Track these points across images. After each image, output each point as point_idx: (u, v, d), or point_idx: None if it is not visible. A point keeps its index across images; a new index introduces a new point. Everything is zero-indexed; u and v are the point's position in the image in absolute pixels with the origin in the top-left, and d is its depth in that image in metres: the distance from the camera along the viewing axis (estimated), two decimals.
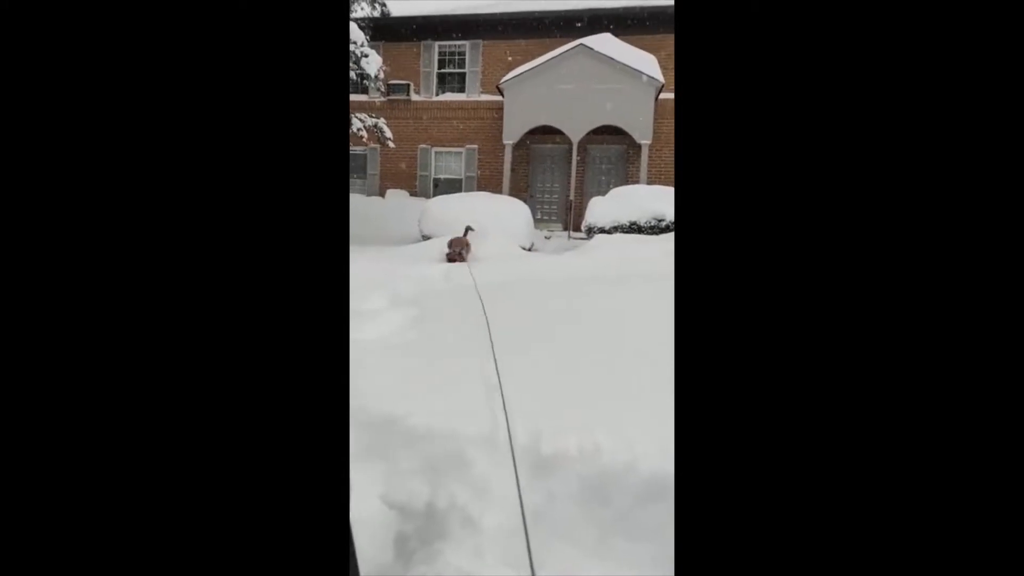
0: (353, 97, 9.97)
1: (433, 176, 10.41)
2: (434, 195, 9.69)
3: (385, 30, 9.28)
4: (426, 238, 6.42)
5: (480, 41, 9.96)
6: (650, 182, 7.98)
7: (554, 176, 9.96)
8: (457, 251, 2.66)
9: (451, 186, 10.12)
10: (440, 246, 5.15)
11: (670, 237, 5.46)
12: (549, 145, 9.72)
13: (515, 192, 8.61)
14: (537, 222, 8.72)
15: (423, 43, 10.13)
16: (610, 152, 9.35)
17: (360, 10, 7.30)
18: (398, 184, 10.28)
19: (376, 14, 7.51)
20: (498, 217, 6.45)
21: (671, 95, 8.51)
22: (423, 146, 10.31)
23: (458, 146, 10.25)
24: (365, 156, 10.35)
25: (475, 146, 10.18)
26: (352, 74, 7.27)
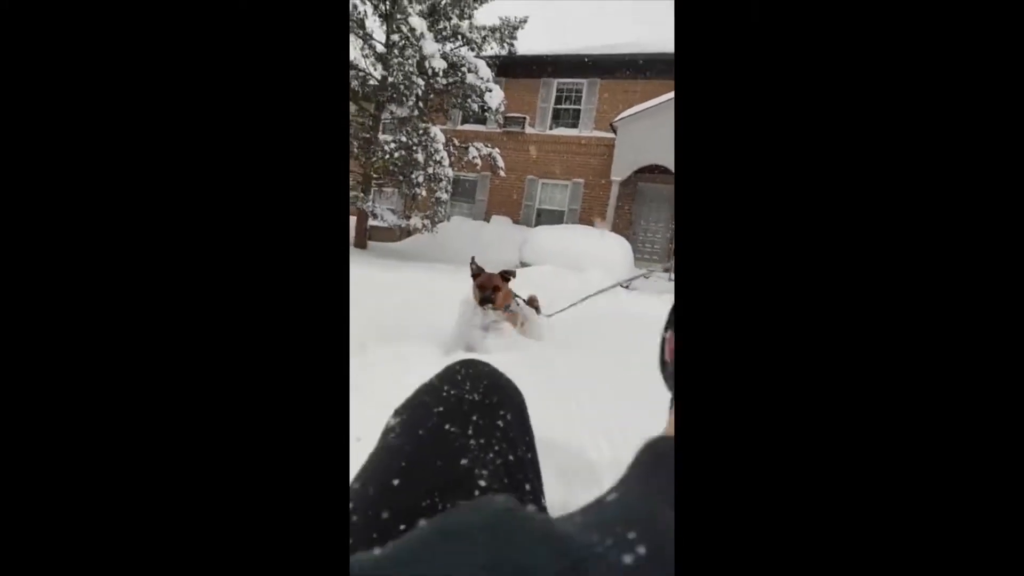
0: (470, 127, 10.61)
1: (537, 206, 10.68)
2: (536, 224, 9.91)
3: (508, 66, 9.83)
4: (525, 265, 6.56)
5: (598, 80, 10.19)
6: None
7: (659, 215, 9.75)
8: (489, 294, 1.90)
9: (553, 217, 10.29)
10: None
11: None
12: (657, 184, 9.57)
13: (618, 229, 8.55)
14: (637, 260, 8.55)
15: (543, 79, 10.57)
16: None
17: (489, 49, 7.80)
18: (503, 211, 10.67)
19: (504, 52, 7.98)
20: (598, 250, 6.44)
21: None
22: (531, 177, 10.64)
23: (564, 179, 10.45)
24: (476, 182, 10.90)
25: (581, 180, 10.31)
26: (475, 106, 7.75)
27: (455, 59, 7.26)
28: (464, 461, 0.45)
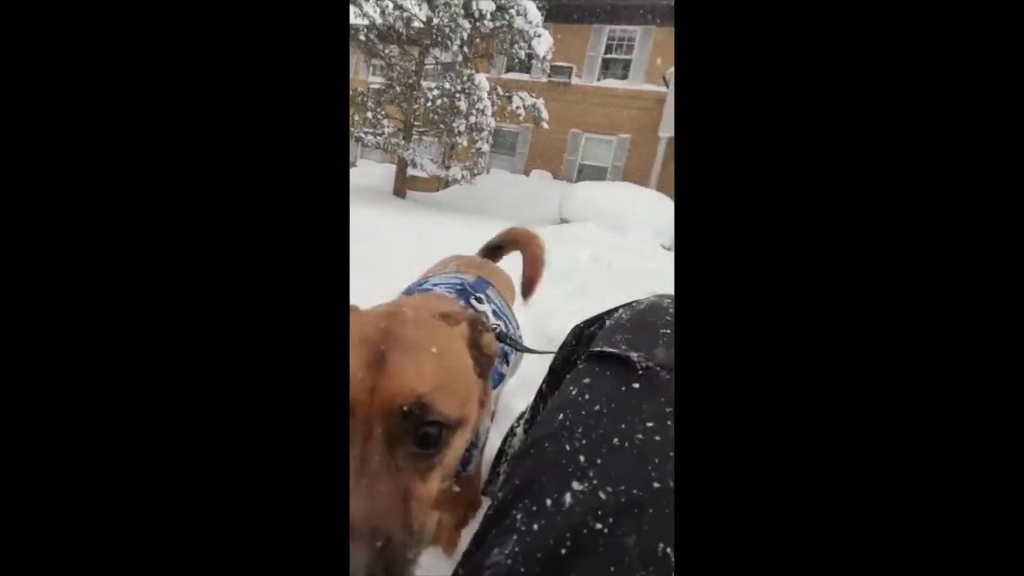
0: (515, 76, 10.23)
1: (580, 161, 10.37)
2: (577, 180, 9.65)
3: (558, 10, 9.32)
4: (564, 221, 6.44)
5: (653, 27, 9.56)
6: None
7: None
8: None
9: (596, 173, 9.99)
10: (580, 233, 5.00)
11: None
12: None
13: (663, 188, 8.23)
14: None
15: (594, 26, 10.00)
16: None
17: None
18: (544, 165, 10.42)
19: None
20: (642, 210, 6.23)
21: None
22: (574, 131, 10.28)
23: (610, 134, 10.04)
24: (517, 135, 10.62)
25: (628, 136, 9.89)
26: (521, 53, 7.44)
27: (503, 0, 6.91)
28: None
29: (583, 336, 0.68)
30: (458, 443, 0.49)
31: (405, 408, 0.43)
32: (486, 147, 7.54)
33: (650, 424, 0.45)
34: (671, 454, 0.43)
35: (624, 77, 10.03)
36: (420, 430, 0.44)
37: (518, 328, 0.95)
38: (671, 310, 0.58)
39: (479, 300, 0.79)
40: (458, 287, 0.83)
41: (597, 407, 0.48)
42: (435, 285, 0.82)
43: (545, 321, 2.02)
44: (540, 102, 7.83)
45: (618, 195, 6.68)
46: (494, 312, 0.80)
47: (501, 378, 0.74)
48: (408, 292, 0.83)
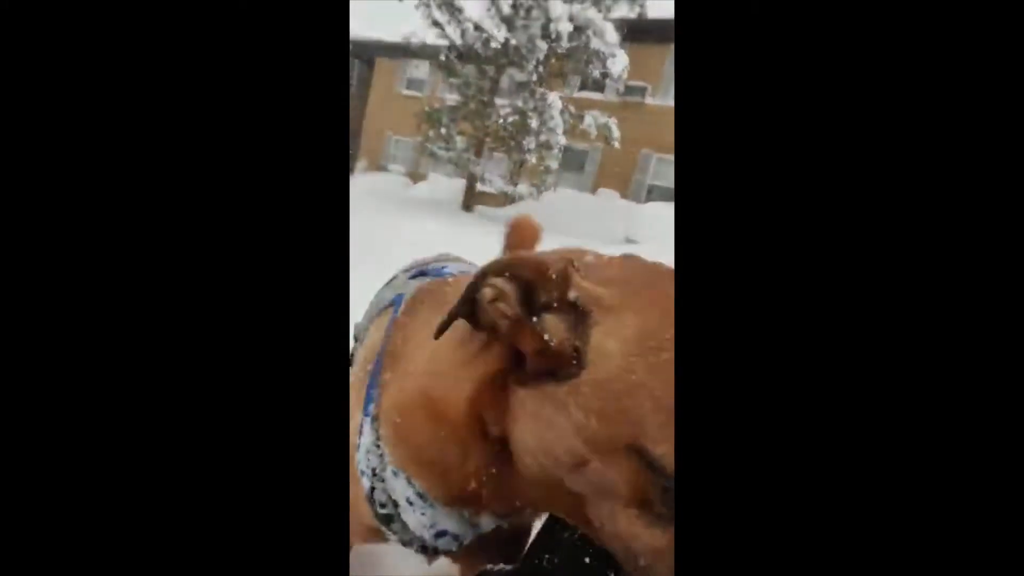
0: (587, 94, 10.25)
1: (649, 182, 10.17)
2: (646, 201, 9.46)
3: (635, 30, 9.29)
4: (630, 242, 6.33)
5: None
6: None
7: None
8: None
9: (665, 194, 9.75)
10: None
11: None
12: None
13: None
14: None
15: (670, 46, 9.86)
16: None
17: (618, 10, 7.40)
18: (613, 184, 10.31)
19: (633, 15, 7.53)
20: None
21: None
22: (645, 151, 10.12)
23: None
24: (587, 153, 10.61)
25: None
26: (596, 72, 7.46)
27: (581, 22, 6.98)
28: None
29: None
30: (609, 361, 0.35)
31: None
32: (555, 165, 7.59)
33: None
34: None
35: None
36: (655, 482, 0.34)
37: None
38: None
39: None
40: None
41: None
42: (449, 272, 0.68)
43: None
44: (612, 121, 7.79)
45: None
46: None
47: None
48: (419, 274, 0.69)
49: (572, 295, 0.37)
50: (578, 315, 0.37)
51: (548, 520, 0.51)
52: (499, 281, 0.39)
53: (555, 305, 0.37)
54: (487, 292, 0.39)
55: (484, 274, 0.39)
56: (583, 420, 0.35)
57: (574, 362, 0.36)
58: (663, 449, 0.32)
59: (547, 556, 0.44)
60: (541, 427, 0.37)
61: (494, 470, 0.42)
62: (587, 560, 0.41)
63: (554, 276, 0.38)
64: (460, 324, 0.41)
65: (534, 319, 0.38)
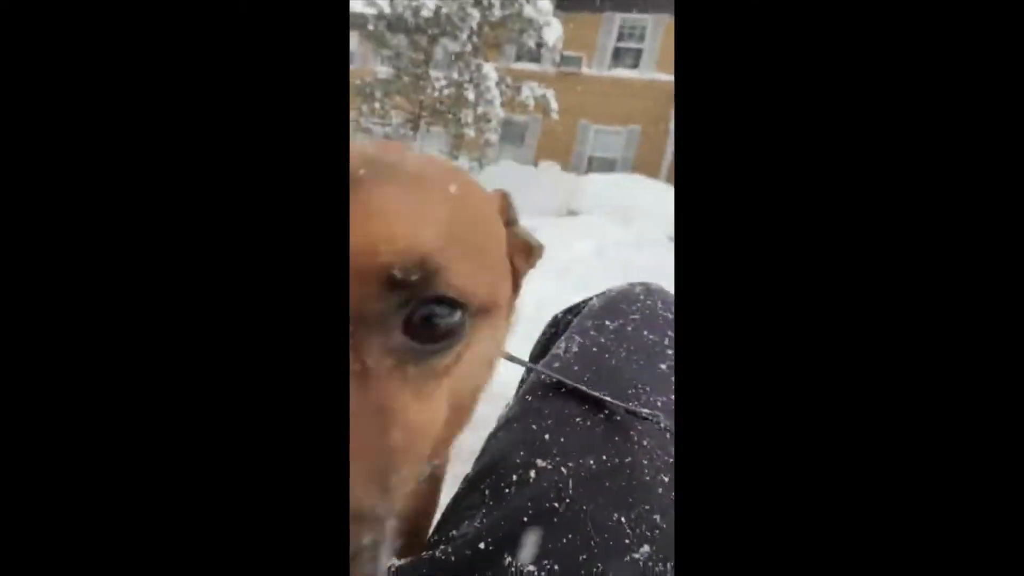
0: (524, 65, 10.13)
1: (589, 153, 10.28)
2: (587, 172, 9.57)
3: None
4: (572, 214, 6.40)
5: (666, 15, 9.40)
6: None
7: None
8: None
9: (605, 165, 9.90)
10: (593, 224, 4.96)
11: None
12: None
13: (672, 180, 8.14)
14: None
15: (604, 14, 9.87)
16: None
17: None
18: (552, 156, 10.34)
19: None
20: (651, 202, 6.18)
21: None
22: (583, 121, 10.18)
23: (620, 125, 9.94)
24: (526, 125, 10.54)
25: (638, 127, 9.79)
26: (530, 42, 7.36)
27: None
28: (663, 366, 0.52)
29: (560, 324, 0.69)
30: (482, 347, 0.30)
31: (396, 271, 0.26)
32: (495, 138, 7.49)
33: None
34: (631, 432, 0.47)
35: (635, 66, 9.90)
36: (420, 311, 0.27)
37: None
38: (641, 296, 0.61)
39: None
40: None
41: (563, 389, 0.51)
42: None
43: (544, 315, 2.01)
44: (550, 92, 7.76)
45: (626, 187, 6.63)
46: None
47: None
48: None
49: None
50: None
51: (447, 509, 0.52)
52: None
53: None
54: None
55: None
56: None
57: None
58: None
59: (442, 546, 0.45)
60: None
61: None
62: (482, 546, 0.43)
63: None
64: None
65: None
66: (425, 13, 7.12)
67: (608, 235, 4.60)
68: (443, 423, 0.30)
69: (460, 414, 0.33)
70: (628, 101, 9.81)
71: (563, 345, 0.57)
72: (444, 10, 6.73)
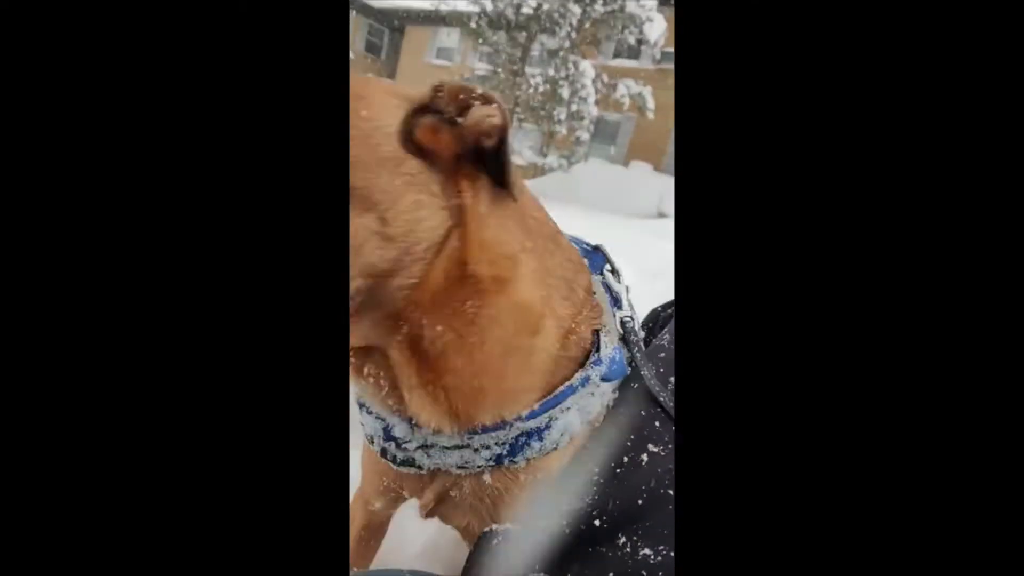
0: (622, 62, 9.89)
1: None
2: None
3: None
4: (662, 216, 6.18)
5: None
6: None
7: None
8: None
9: None
10: None
11: None
12: None
13: None
14: None
15: None
16: None
17: None
18: (645, 157, 10.02)
19: None
20: None
21: None
22: None
23: None
24: (619, 124, 10.31)
25: None
26: (631, 39, 7.17)
27: None
28: None
29: (659, 318, 0.68)
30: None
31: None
32: (586, 136, 7.41)
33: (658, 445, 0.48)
34: (670, 467, 0.46)
35: None
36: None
37: None
38: None
39: (614, 274, 0.60)
40: (586, 248, 0.62)
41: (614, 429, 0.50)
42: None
43: (639, 315, 1.96)
44: (647, 90, 7.52)
45: None
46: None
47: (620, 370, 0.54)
48: None
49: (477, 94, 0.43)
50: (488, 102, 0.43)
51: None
52: (428, 117, 0.43)
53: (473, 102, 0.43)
54: (425, 120, 0.43)
55: (414, 111, 0.43)
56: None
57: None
58: None
59: (554, 519, 0.46)
60: (497, 222, 0.45)
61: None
62: (597, 523, 0.43)
63: (459, 91, 0.43)
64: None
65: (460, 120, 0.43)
66: (526, 10, 7.19)
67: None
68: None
69: None
70: None
71: (666, 337, 0.56)
72: (545, 6, 6.75)
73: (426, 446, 0.49)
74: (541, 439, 0.48)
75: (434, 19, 10.10)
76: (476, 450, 0.48)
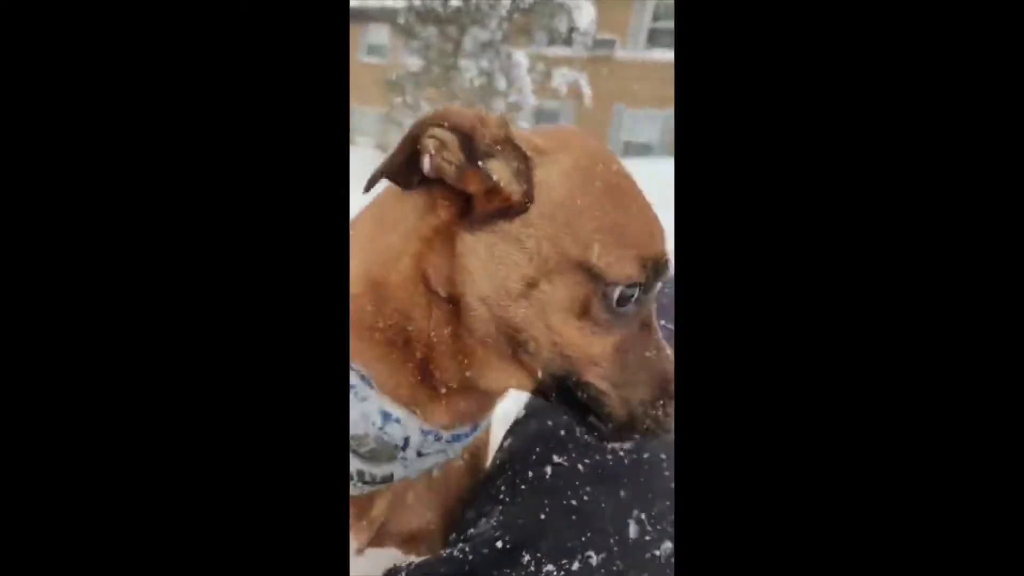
0: (556, 50, 9.96)
1: (624, 138, 10.05)
2: (622, 157, 9.38)
3: None
4: None
5: None
6: None
7: None
8: None
9: (641, 150, 9.66)
10: None
11: None
12: None
13: None
14: None
15: None
16: None
17: None
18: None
19: None
20: None
21: None
22: (618, 105, 9.95)
23: (656, 108, 9.65)
24: (559, 111, 10.39)
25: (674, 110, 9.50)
26: (562, 26, 7.22)
27: None
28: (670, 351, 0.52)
29: None
30: None
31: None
32: (527, 126, 7.42)
33: None
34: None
35: (671, 47, 9.59)
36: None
37: None
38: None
39: None
40: None
41: None
42: None
43: None
44: (583, 77, 7.60)
45: (660, 171, 6.45)
46: None
47: None
48: None
49: (511, 138, 0.42)
50: (518, 156, 0.42)
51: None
52: (439, 131, 0.41)
53: (497, 149, 0.41)
54: (430, 143, 0.41)
55: (422, 125, 0.41)
56: (535, 247, 0.41)
57: (522, 199, 0.41)
58: (605, 260, 0.40)
59: (460, 544, 0.45)
60: (493, 265, 0.42)
61: (440, 332, 0.44)
62: (499, 544, 0.43)
63: (492, 124, 0.41)
64: (392, 195, 0.45)
65: (479, 163, 0.41)
66: (454, 2, 7.08)
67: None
68: None
69: None
70: (665, 83, 9.50)
71: None
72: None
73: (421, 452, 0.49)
74: (476, 428, 0.51)
75: (362, 16, 9.83)
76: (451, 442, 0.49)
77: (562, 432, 0.49)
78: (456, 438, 0.48)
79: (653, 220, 0.45)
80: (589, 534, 0.42)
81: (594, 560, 0.40)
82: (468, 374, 0.45)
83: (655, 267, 0.42)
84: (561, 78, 7.55)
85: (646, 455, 0.46)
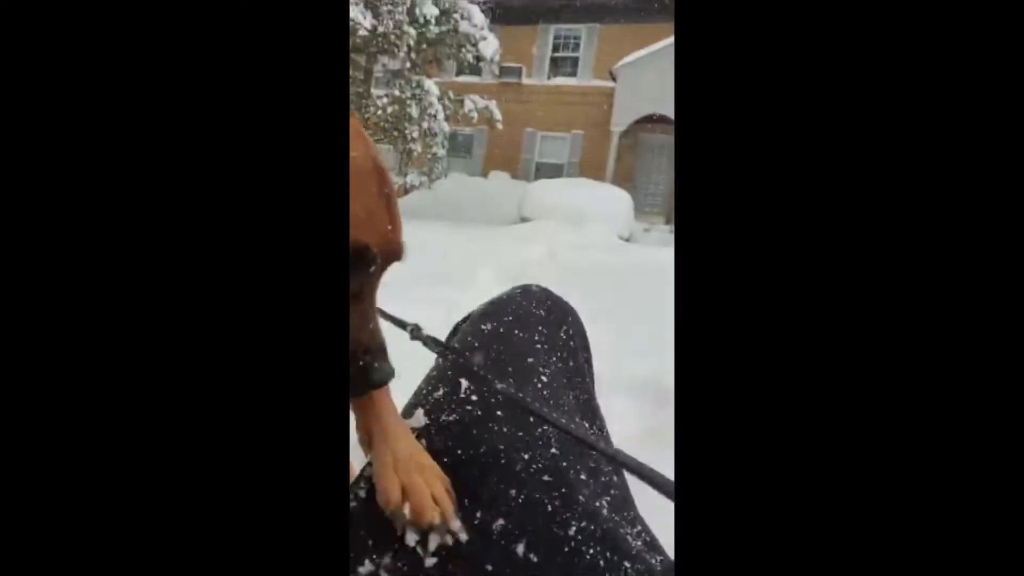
0: (465, 79, 10.25)
1: (536, 160, 10.48)
2: (535, 179, 9.75)
3: (502, 12, 9.40)
4: (525, 220, 6.52)
5: (597, 25, 9.77)
6: None
7: (660, 167, 9.57)
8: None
9: (553, 171, 10.12)
10: (538, 231, 5.04)
11: None
12: (658, 135, 9.35)
13: (618, 182, 8.43)
14: (640, 214, 8.46)
15: (539, 26, 10.13)
16: None
17: None
18: (501, 166, 10.48)
19: None
20: (598, 204, 6.38)
21: None
22: (529, 129, 10.39)
23: (564, 131, 10.20)
24: (472, 137, 10.64)
25: (581, 132, 10.07)
26: (469, 56, 7.47)
27: (447, 5, 6.93)
28: (530, 359, 0.59)
29: (456, 330, 0.72)
30: None
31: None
32: (442, 152, 7.54)
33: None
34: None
35: (573, 74, 10.21)
36: None
37: None
38: (517, 299, 0.65)
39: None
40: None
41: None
42: None
43: None
44: (492, 103, 7.89)
45: (574, 191, 6.81)
46: None
47: None
48: None
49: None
50: None
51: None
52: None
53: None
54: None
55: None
56: None
57: None
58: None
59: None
60: None
61: None
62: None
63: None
64: None
65: None
66: (362, 32, 7.11)
67: (559, 238, 4.71)
68: None
69: None
70: (569, 108, 10.09)
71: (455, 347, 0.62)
72: (380, 29, 6.75)
73: None
74: None
75: None
76: None
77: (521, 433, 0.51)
78: None
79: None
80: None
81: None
82: None
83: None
84: (472, 104, 7.79)
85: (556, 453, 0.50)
